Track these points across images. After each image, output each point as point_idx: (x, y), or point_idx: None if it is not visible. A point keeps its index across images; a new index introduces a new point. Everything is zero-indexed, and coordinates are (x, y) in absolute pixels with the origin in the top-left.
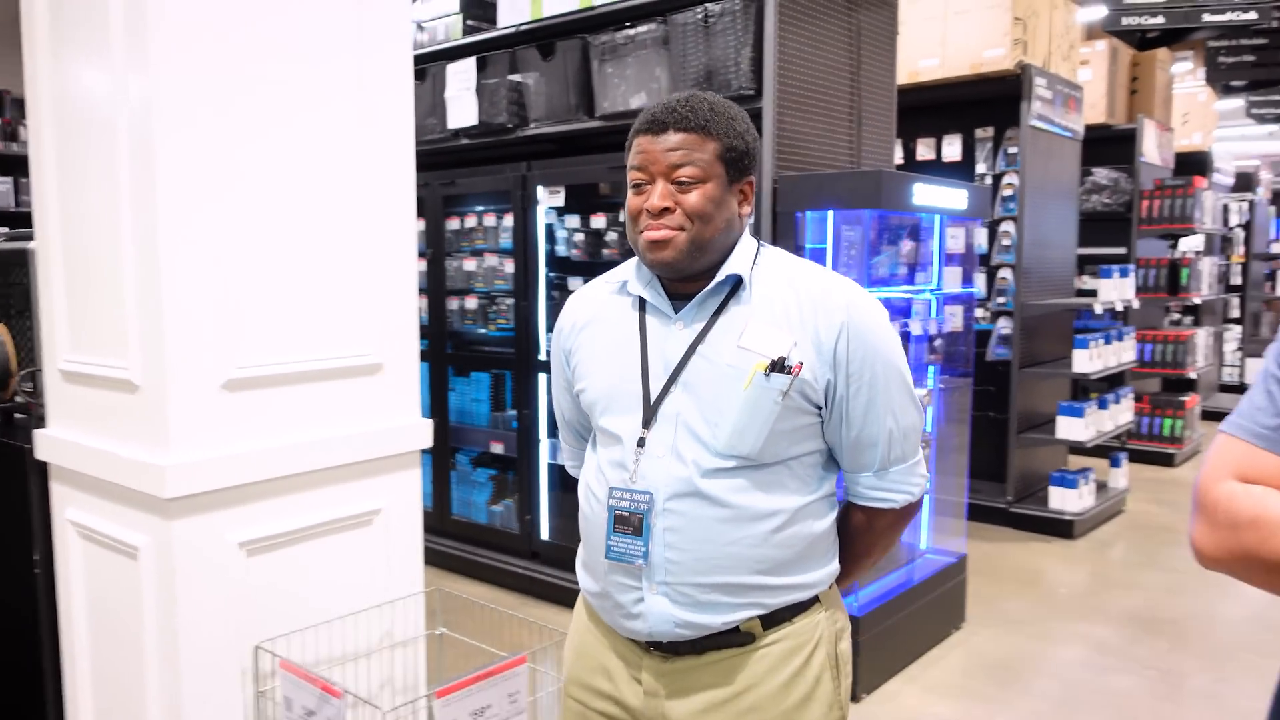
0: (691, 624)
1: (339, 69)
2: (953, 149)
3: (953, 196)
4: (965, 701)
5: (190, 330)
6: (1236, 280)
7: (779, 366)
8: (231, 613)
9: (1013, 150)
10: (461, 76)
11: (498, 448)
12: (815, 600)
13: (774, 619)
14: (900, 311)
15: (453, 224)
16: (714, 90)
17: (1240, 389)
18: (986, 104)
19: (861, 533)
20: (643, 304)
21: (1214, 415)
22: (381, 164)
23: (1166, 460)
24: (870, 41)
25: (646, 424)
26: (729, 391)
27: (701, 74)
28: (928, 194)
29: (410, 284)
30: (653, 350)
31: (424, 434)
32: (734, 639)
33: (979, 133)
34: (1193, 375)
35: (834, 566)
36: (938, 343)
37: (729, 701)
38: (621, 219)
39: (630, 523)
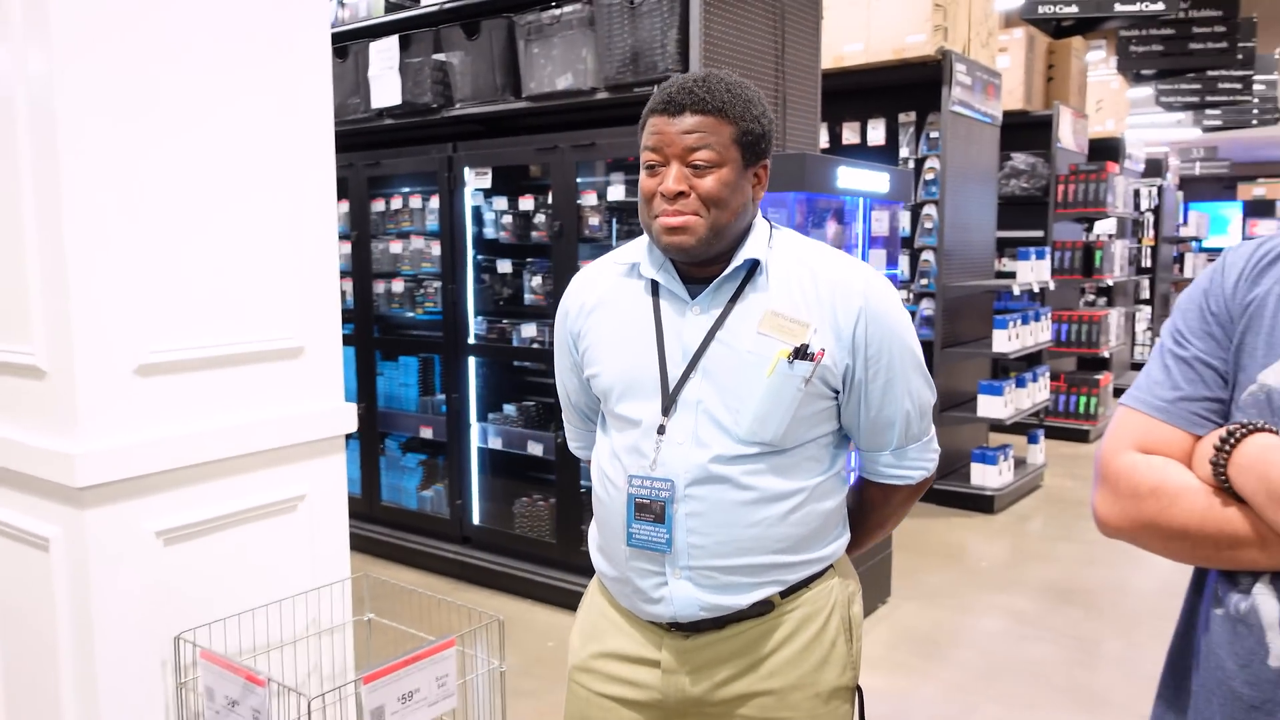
0: (715, 606)
1: (255, 45)
2: (877, 133)
3: (876, 180)
4: (891, 674)
5: (99, 314)
6: (1147, 263)
7: (801, 353)
8: (149, 604)
9: (934, 135)
10: (384, 55)
11: (427, 432)
12: (829, 568)
13: (791, 589)
14: None
15: (378, 206)
16: (640, 72)
17: None
18: (909, 89)
19: (878, 507)
20: (654, 287)
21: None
22: (300, 143)
23: (1081, 436)
24: (795, 25)
25: (666, 411)
26: (751, 379)
27: (628, 56)
28: (852, 177)
29: (332, 266)
30: (669, 336)
31: (348, 418)
32: (753, 610)
33: (902, 117)
34: (1106, 354)
35: (846, 536)
36: None
37: (749, 670)
38: (550, 201)
39: (652, 510)
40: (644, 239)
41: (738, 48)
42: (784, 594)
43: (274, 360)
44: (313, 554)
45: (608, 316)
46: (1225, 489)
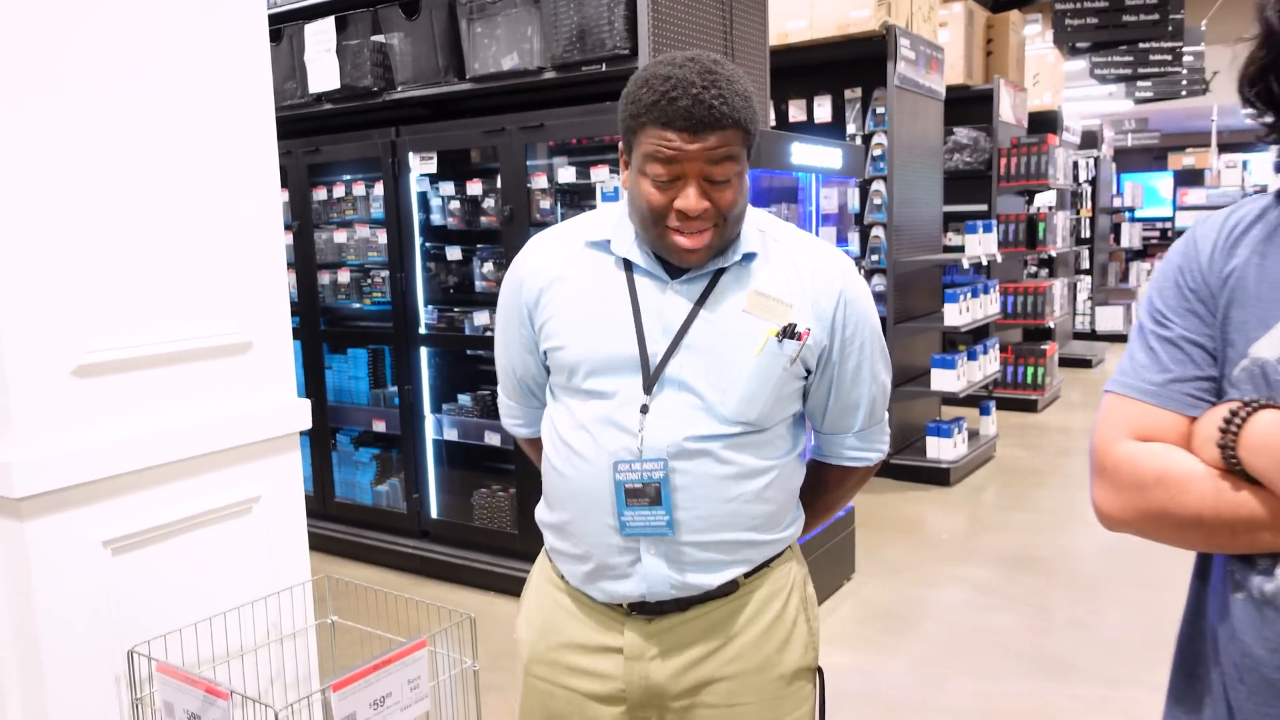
0: (686, 584)
1: (188, 19)
2: (823, 110)
3: (828, 155)
4: (859, 650)
5: (30, 312)
6: (1086, 234)
7: (789, 333)
8: (99, 617)
9: (880, 111)
10: (320, 37)
11: (380, 426)
12: (787, 548)
13: (755, 569)
14: None
15: (319, 194)
16: (588, 50)
17: (1091, 336)
18: (854, 65)
19: (833, 488)
20: (627, 263)
21: (1070, 362)
22: (240, 125)
23: (1030, 406)
24: (742, 2)
25: (649, 389)
26: (738, 358)
27: (574, 34)
28: (805, 153)
29: (278, 257)
30: (647, 312)
31: (301, 415)
32: (716, 592)
33: (848, 93)
34: (1051, 325)
35: (803, 517)
36: None
37: (713, 653)
38: (499, 184)
39: (646, 494)
40: (609, 213)
41: (686, 24)
42: (747, 574)
43: (221, 356)
44: (270, 557)
45: (572, 289)
46: (1236, 471)
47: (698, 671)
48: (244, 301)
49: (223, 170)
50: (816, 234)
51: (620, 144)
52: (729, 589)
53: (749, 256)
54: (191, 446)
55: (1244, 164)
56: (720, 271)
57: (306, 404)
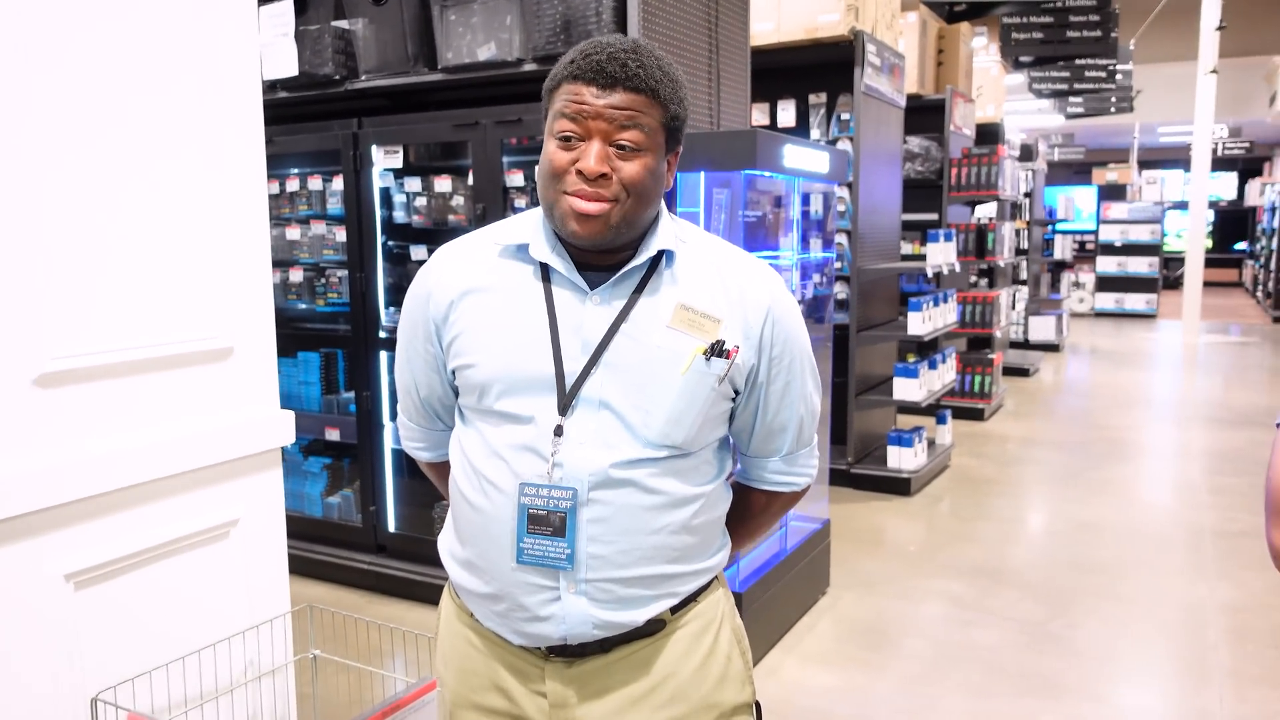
0: (610, 623)
1: (165, 25)
2: (787, 115)
3: (817, 159)
4: (844, 669)
5: None
6: (1024, 244)
7: (717, 350)
8: (59, 660)
9: (845, 116)
10: (277, 21)
11: (333, 434)
12: (714, 579)
13: (682, 603)
14: None
15: (272, 188)
16: (572, 42)
17: (1025, 345)
18: (820, 69)
19: (757, 514)
20: (545, 272)
21: (1009, 371)
22: (223, 115)
23: (978, 415)
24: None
25: (564, 410)
26: (661, 376)
27: (558, 24)
28: (797, 156)
29: (262, 256)
30: (564, 326)
31: (285, 428)
32: (643, 629)
33: (813, 98)
34: (997, 333)
35: (729, 546)
36: (801, 308)
37: (648, 695)
38: (470, 182)
39: (549, 522)
40: (529, 216)
41: (674, 17)
42: (674, 609)
43: (199, 363)
44: (248, 587)
45: (486, 302)
46: None
47: (630, 716)
48: (225, 303)
49: (202, 160)
50: (804, 240)
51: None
52: (655, 626)
53: (667, 257)
54: (165, 465)
55: (1161, 180)
56: (642, 284)
57: (290, 416)
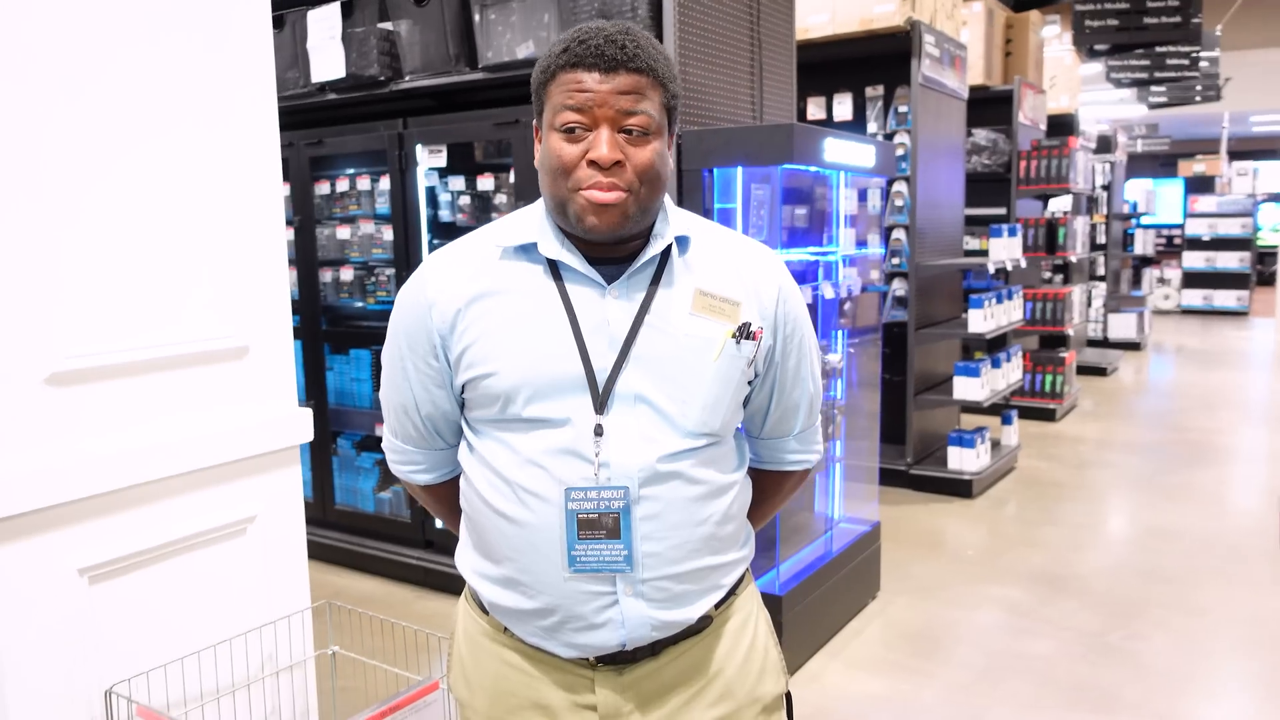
0: (667, 623)
1: (181, 19)
2: (844, 108)
3: (861, 153)
4: (891, 676)
5: None
6: (1100, 239)
7: (745, 333)
8: (74, 653)
9: (903, 109)
10: (324, 24)
11: (382, 430)
12: (746, 570)
13: (725, 596)
14: (810, 274)
15: (322, 188)
16: None
17: (1104, 343)
18: (876, 62)
19: (771, 494)
20: (554, 269)
21: (1085, 370)
22: (238, 113)
23: (1049, 415)
24: None
25: (601, 408)
26: (695, 364)
27: (596, 20)
28: (838, 150)
29: (279, 254)
30: (587, 323)
31: (302, 426)
32: (693, 628)
33: (869, 91)
34: (1069, 332)
35: (754, 534)
36: (847, 305)
37: (699, 695)
38: (512, 180)
39: (602, 525)
40: (527, 215)
41: (712, 12)
42: (718, 604)
43: (215, 362)
44: (266, 582)
45: (497, 306)
46: None
47: (687, 715)
48: (241, 302)
49: (218, 158)
50: (838, 235)
51: (534, 124)
52: (704, 624)
53: (680, 244)
54: (180, 462)
55: (1254, 171)
56: (660, 270)
57: (308, 414)
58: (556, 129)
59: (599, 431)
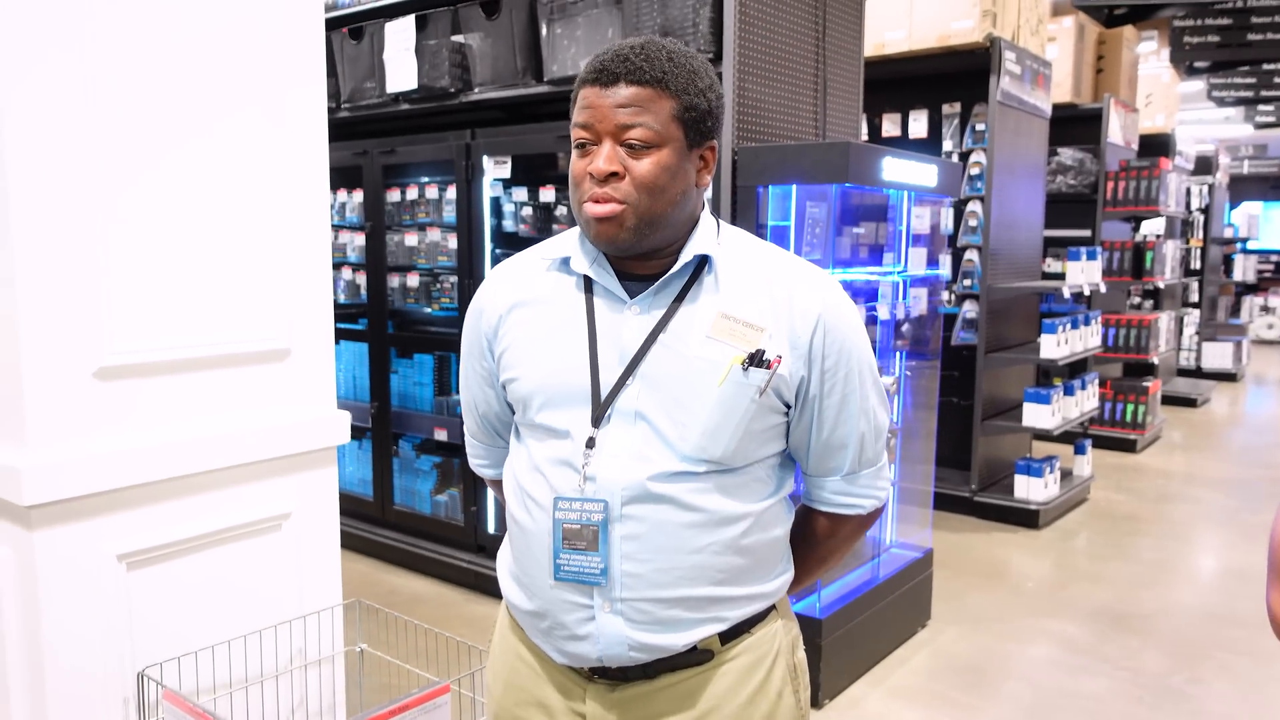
0: (648, 646)
1: (232, 18)
2: (919, 125)
3: (922, 172)
4: (931, 707)
5: (52, 310)
6: (1195, 264)
7: (756, 360)
8: (110, 636)
9: (980, 127)
10: (400, 36)
11: (442, 434)
12: (772, 608)
13: (733, 632)
14: (867, 294)
15: (393, 195)
16: None
17: (1197, 373)
18: (954, 78)
19: (823, 540)
20: (588, 283)
21: (1173, 400)
22: (286, 126)
23: (1129, 446)
24: (836, 6)
25: (597, 422)
26: (699, 387)
27: (658, 35)
28: (897, 169)
29: (324, 259)
30: (603, 337)
31: (339, 428)
32: (690, 658)
33: (946, 108)
34: (1155, 360)
35: (790, 572)
36: (905, 327)
37: None
38: None
39: (582, 536)
40: (576, 230)
41: (775, 28)
42: (725, 639)
43: (255, 363)
44: (299, 578)
45: (533, 316)
46: None
47: None
48: (284, 306)
49: (267, 164)
50: (907, 256)
51: None
52: (703, 657)
53: (709, 263)
54: (218, 458)
55: None
56: (684, 292)
57: (346, 416)
58: (574, 145)
59: (590, 444)
